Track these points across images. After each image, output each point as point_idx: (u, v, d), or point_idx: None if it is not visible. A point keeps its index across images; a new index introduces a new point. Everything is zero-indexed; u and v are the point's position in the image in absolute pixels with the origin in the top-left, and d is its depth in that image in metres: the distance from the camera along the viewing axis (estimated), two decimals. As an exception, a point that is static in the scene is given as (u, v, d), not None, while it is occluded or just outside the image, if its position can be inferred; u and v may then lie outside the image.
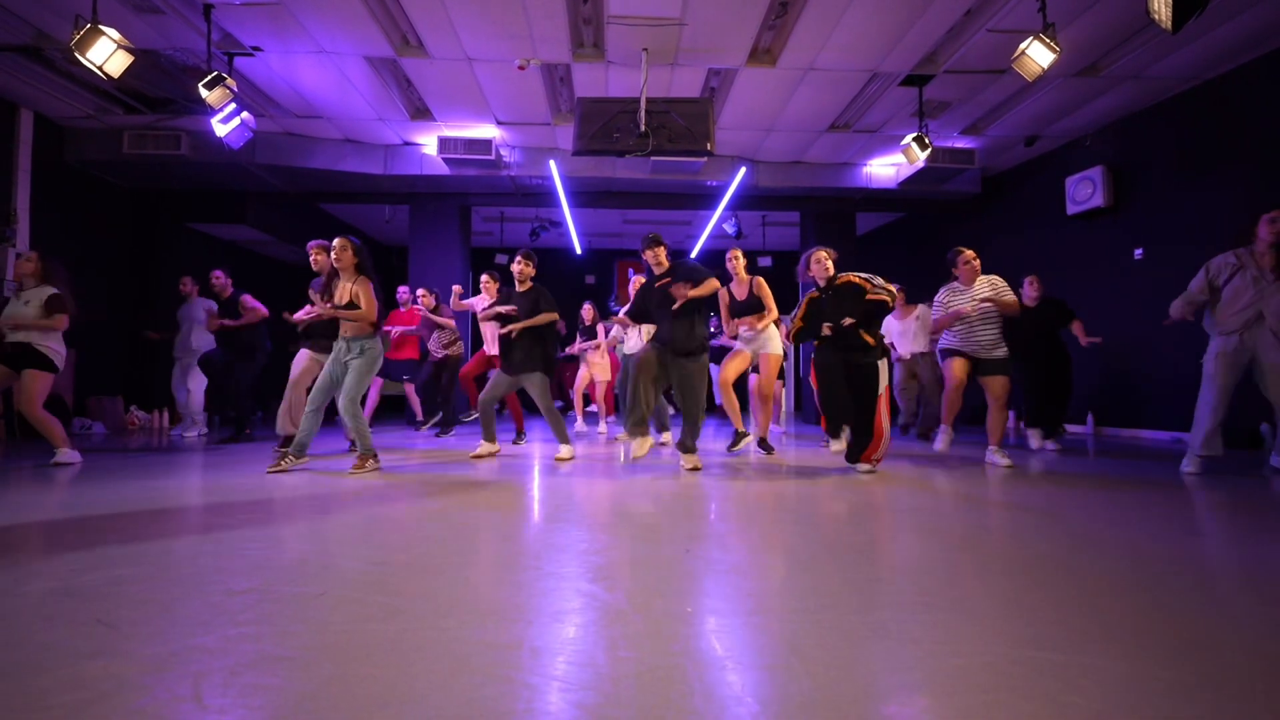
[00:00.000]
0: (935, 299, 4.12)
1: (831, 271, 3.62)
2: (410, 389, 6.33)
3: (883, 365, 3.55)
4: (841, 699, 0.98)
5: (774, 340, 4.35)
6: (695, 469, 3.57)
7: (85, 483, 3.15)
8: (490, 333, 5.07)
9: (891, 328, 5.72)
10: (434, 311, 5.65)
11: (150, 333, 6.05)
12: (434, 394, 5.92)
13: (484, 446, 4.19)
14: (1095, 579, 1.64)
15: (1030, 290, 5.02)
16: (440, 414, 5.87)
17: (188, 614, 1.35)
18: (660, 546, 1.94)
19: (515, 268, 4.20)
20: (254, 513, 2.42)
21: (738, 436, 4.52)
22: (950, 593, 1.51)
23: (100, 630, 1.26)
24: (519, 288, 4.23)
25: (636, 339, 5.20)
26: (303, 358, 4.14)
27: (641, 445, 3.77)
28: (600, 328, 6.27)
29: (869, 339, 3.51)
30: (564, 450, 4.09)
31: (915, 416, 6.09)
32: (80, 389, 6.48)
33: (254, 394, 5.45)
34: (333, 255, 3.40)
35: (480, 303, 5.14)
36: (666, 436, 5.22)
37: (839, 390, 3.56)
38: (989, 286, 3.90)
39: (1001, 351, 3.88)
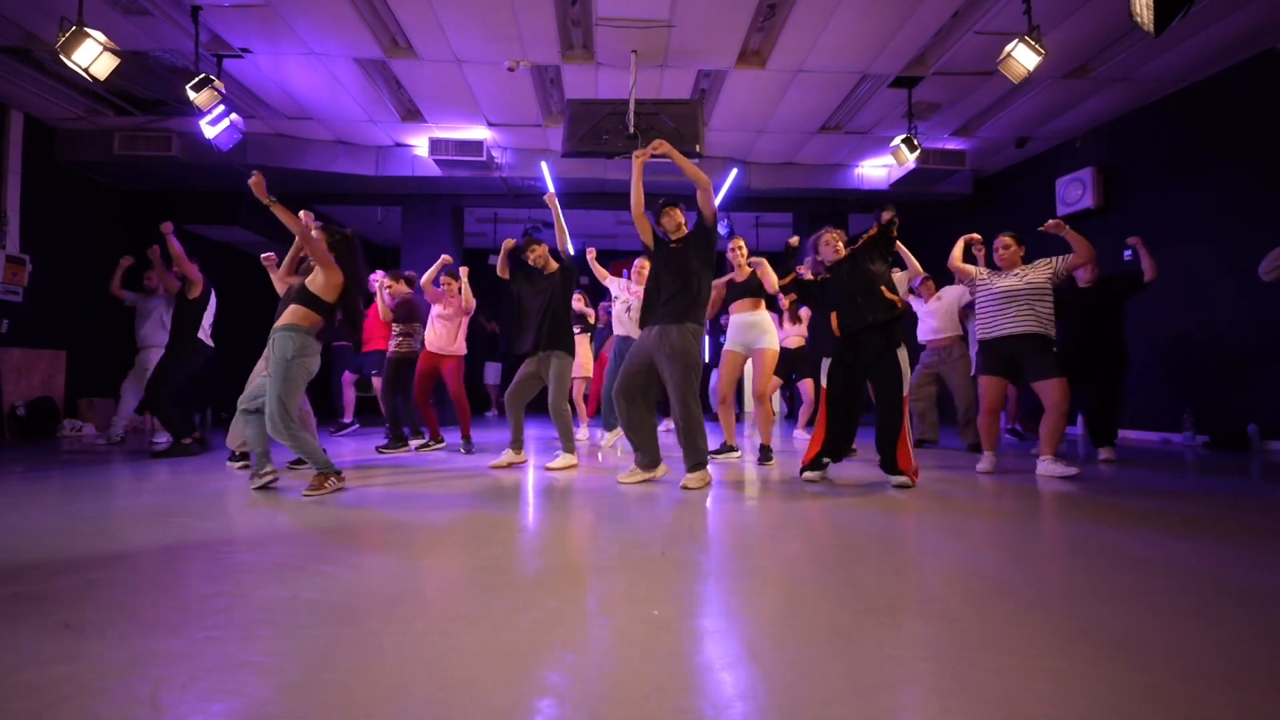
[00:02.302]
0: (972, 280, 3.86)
1: (842, 254, 3.35)
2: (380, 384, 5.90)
3: (902, 356, 3.14)
4: (794, 703, 0.99)
5: (769, 334, 4.07)
6: (693, 487, 3.01)
7: (65, 490, 3.15)
8: (440, 328, 4.62)
9: (917, 309, 5.19)
10: (401, 303, 4.86)
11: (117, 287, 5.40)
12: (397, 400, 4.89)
13: (508, 455, 3.82)
14: (1080, 584, 1.65)
15: (1084, 274, 4.36)
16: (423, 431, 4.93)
17: (156, 618, 1.35)
18: (638, 550, 1.94)
19: (531, 257, 3.98)
20: (233, 518, 2.43)
21: (724, 446, 4.22)
22: (924, 597, 1.52)
23: (66, 634, 1.26)
24: (545, 272, 3.98)
25: (627, 319, 4.70)
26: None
27: (637, 473, 3.24)
28: (590, 311, 6.04)
29: (893, 297, 3.15)
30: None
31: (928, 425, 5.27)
32: (71, 390, 6.47)
33: (182, 397, 4.64)
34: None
35: (443, 300, 4.68)
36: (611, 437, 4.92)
37: (850, 413, 3.25)
38: (1036, 269, 3.60)
39: (1047, 329, 3.51)
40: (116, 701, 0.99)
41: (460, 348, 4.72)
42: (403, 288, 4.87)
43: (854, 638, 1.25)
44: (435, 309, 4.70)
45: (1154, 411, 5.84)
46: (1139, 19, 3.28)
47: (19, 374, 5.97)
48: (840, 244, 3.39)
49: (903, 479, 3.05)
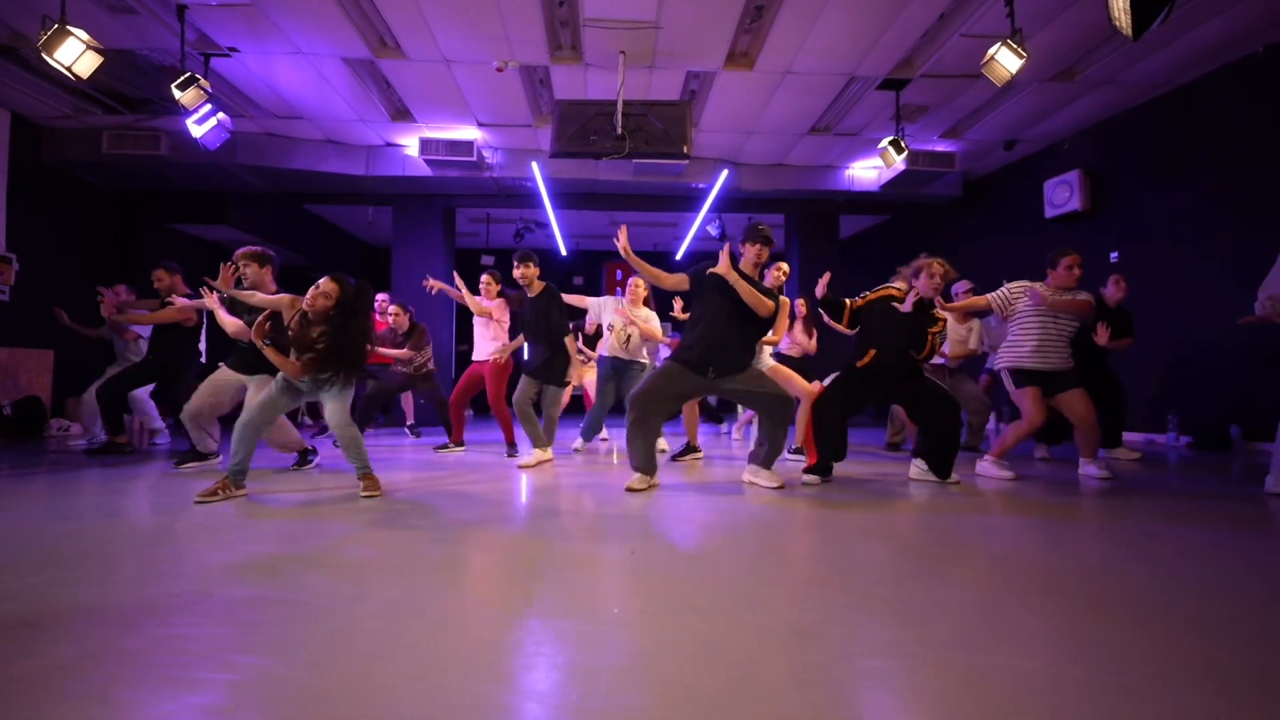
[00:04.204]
0: (1010, 287, 3.59)
1: (940, 290, 3.21)
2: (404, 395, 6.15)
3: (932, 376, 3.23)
4: (744, 698, 1.00)
5: (764, 359, 4.11)
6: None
7: (45, 490, 3.14)
8: (480, 335, 4.65)
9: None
10: (409, 333, 5.20)
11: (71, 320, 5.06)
12: (377, 406, 5.35)
13: (536, 454, 3.95)
14: (1046, 584, 1.66)
15: (1116, 292, 4.52)
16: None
17: (120, 616, 1.35)
18: (608, 548, 1.95)
19: (518, 273, 3.99)
20: (209, 519, 2.42)
21: (688, 448, 4.28)
22: (884, 595, 1.53)
23: (27, 632, 1.26)
24: (529, 293, 4.02)
25: (618, 343, 4.63)
26: (225, 375, 3.62)
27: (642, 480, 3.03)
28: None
29: (913, 356, 3.24)
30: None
31: (901, 434, 5.23)
32: (59, 390, 6.44)
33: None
34: (307, 295, 2.79)
35: (474, 299, 4.62)
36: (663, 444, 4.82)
37: (840, 427, 3.25)
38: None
39: (1070, 364, 3.54)
40: (67, 697, 1.00)
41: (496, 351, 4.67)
42: (404, 320, 5.26)
43: (811, 634, 1.26)
44: (478, 318, 4.67)
45: (1139, 413, 5.87)
46: (1117, 23, 3.30)
47: (5, 373, 5.95)
48: (941, 282, 3.22)
49: (956, 479, 3.24)
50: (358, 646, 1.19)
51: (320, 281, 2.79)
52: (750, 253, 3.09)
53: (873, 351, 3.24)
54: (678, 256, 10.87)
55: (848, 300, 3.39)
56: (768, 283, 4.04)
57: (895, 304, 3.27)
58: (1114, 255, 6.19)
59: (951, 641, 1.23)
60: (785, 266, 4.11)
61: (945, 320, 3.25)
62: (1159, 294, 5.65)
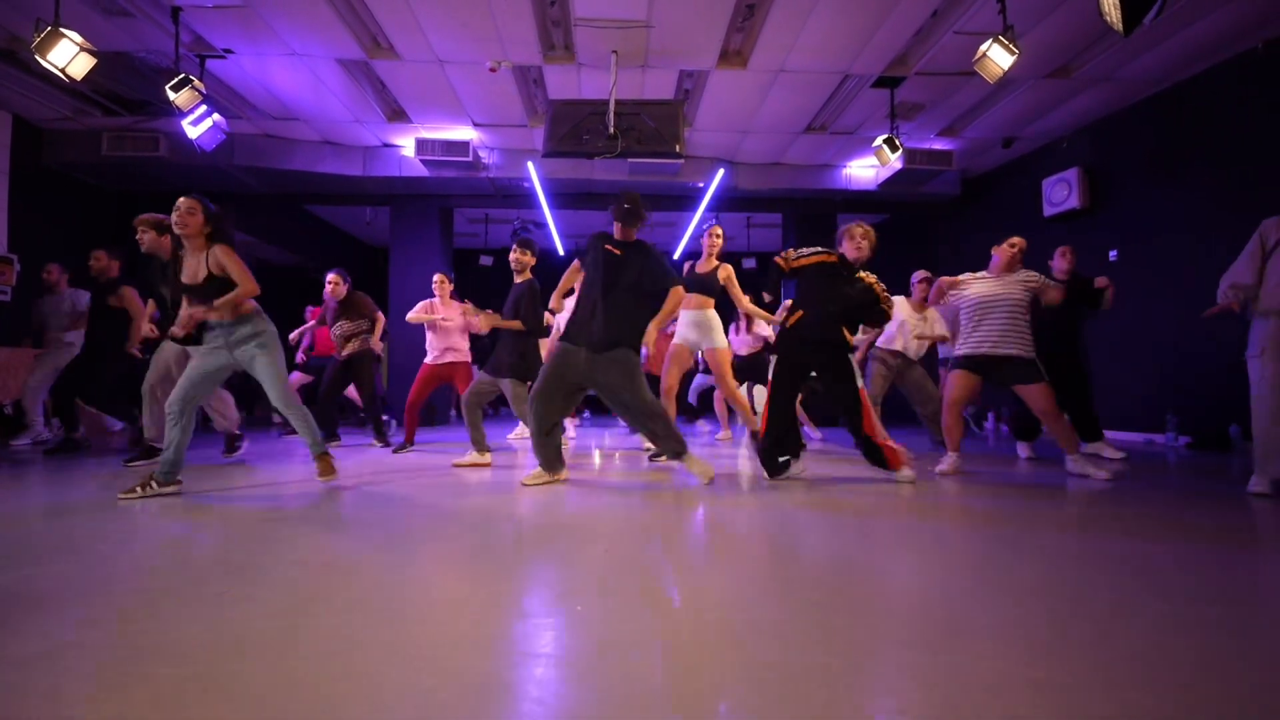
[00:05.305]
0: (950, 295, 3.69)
1: (864, 256, 3.22)
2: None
3: (851, 358, 3.25)
4: (685, 694, 1.00)
5: (717, 331, 4.06)
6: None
7: (31, 487, 3.17)
8: (435, 338, 4.65)
9: (897, 316, 4.66)
10: (346, 301, 4.86)
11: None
12: (333, 404, 5.12)
13: (472, 455, 3.83)
14: (1003, 582, 1.65)
15: (1061, 262, 4.48)
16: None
17: (84, 611, 1.36)
18: (581, 545, 1.95)
19: (512, 256, 3.94)
20: (187, 515, 2.44)
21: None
22: (850, 594, 1.52)
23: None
24: (516, 278, 3.93)
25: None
26: (170, 348, 3.58)
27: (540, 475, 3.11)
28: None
29: (850, 338, 3.26)
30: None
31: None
32: (60, 390, 6.49)
33: (121, 396, 4.65)
34: (174, 219, 2.67)
35: (434, 308, 4.72)
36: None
37: (791, 409, 3.25)
38: (1021, 285, 3.52)
39: (1029, 351, 3.48)
40: (16, 692, 1.00)
41: (467, 354, 4.75)
42: (343, 289, 4.90)
43: (768, 632, 1.25)
44: (440, 315, 4.69)
45: (1137, 412, 5.83)
46: (1108, 18, 3.28)
47: (5, 373, 6.00)
48: (866, 246, 3.23)
49: (905, 474, 3.15)
50: (313, 645, 1.19)
51: (179, 202, 2.70)
52: (616, 228, 3.21)
53: (800, 312, 3.23)
54: (675, 255, 10.84)
55: (780, 258, 3.31)
56: (704, 251, 4.13)
57: (828, 269, 3.24)
58: (1113, 254, 6.15)
59: (909, 641, 1.22)
60: (719, 230, 4.11)
61: (873, 285, 3.19)
62: (1158, 292, 5.61)
